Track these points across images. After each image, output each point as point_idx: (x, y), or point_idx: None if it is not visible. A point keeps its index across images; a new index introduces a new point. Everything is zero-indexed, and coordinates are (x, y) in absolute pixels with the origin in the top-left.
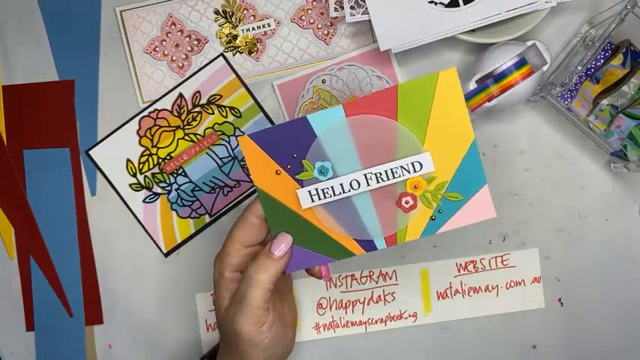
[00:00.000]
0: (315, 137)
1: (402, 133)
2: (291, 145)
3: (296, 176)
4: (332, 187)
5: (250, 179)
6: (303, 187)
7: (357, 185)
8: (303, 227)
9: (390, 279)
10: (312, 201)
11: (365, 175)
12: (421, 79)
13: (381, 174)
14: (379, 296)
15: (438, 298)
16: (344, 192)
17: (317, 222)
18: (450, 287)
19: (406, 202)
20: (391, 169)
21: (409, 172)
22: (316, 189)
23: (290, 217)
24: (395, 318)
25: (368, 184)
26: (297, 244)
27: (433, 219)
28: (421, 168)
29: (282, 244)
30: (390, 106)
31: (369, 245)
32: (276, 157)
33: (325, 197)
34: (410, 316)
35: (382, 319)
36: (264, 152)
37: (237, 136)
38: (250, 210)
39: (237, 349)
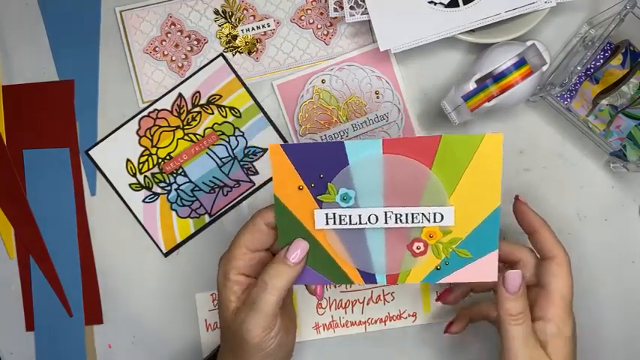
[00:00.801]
0: (347, 164)
1: (433, 182)
2: (321, 165)
3: (317, 196)
4: (349, 216)
5: (250, 181)
6: (321, 208)
7: (375, 220)
8: (310, 245)
9: None
10: (327, 224)
11: (385, 212)
12: (467, 137)
13: (401, 215)
14: (379, 296)
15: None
16: (360, 223)
17: (325, 244)
18: (450, 287)
19: (417, 248)
20: (412, 214)
21: (429, 220)
22: (334, 213)
23: (300, 232)
24: (394, 318)
25: (386, 222)
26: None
27: (438, 269)
28: (441, 220)
29: (298, 250)
30: (428, 154)
31: (369, 278)
32: (302, 173)
33: (341, 223)
34: (409, 315)
35: (382, 318)
36: (292, 165)
37: (234, 136)
38: (261, 216)
39: (240, 352)
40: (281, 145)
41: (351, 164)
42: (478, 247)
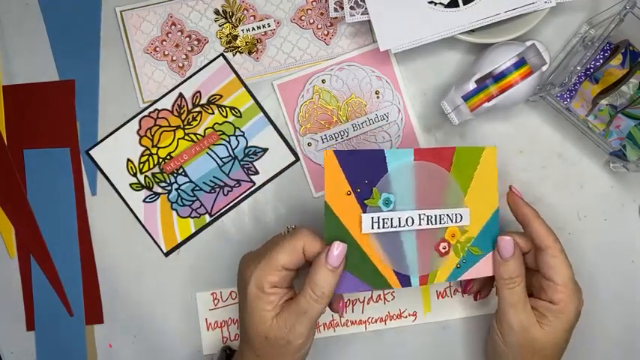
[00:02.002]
0: (387, 171)
1: (452, 184)
2: (366, 171)
3: (364, 201)
4: (391, 219)
5: (250, 181)
6: (365, 212)
7: (412, 222)
8: (355, 253)
9: None
10: (372, 228)
11: (419, 215)
12: (472, 148)
13: (431, 217)
14: (379, 295)
15: (438, 298)
16: (400, 226)
17: (368, 249)
18: (450, 286)
19: (443, 248)
20: (439, 215)
21: (452, 221)
22: (378, 217)
23: (346, 238)
24: (394, 317)
25: (420, 224)
26: (345, 269)
27: (458, 267)
28: (461, 220)
29: (335, 253)
30: (447, 161)
31: (405, 281)
32: (350, 179)
33: (384, 227)
34: (409, 315)
35: (382, 318)
36: (342, 171)
37: (234, 136)
38: (303, 241)
39: (279, 356)
40: (334, 151)
41: (390, 171)
42: (486, 244)
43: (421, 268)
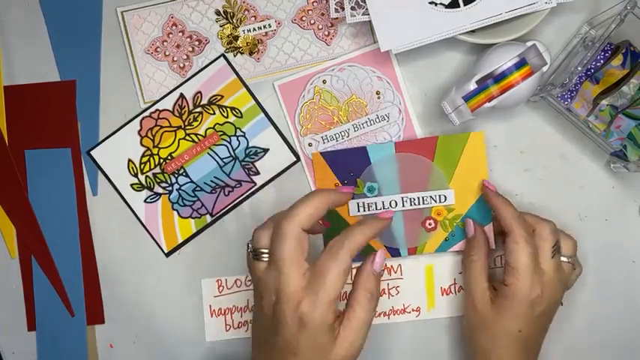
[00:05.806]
0: (370, 163)
1: (435, 171)
2: (350, 165)
3: None
4: (375, 203)
5: (251, 181)
6: (353, 199)
7: (395, 204)
8: None
9: (395, 273)
10: (359, 211)
11: (402, 198)
12: (457, 136)
13: (414, 199)
14: (383, 290)
15: (442, 294)
16: (384, 208)
17: None
18: (454, 284)
19: (429, 224)
20: (422, 197)
21: (436, 201)
22: (363, 202)
23: (339, 221)
24: (398, 312)
25: (403, 205)
26: None
27: (446, 240)
28: (445, 200)
29: (378, 260)
30: (429, 150)
31: (395, 252)
32: (337, 173)
33: (369, 210)
34: (413, 310)
35: (385, 312)
36: (329, 167)
37: (235, 136)
38: (323, 198)
39: (313, 351)
40: (320, 152)
41: (373, 163)
42: (476, 220)
43: (409, 241)
